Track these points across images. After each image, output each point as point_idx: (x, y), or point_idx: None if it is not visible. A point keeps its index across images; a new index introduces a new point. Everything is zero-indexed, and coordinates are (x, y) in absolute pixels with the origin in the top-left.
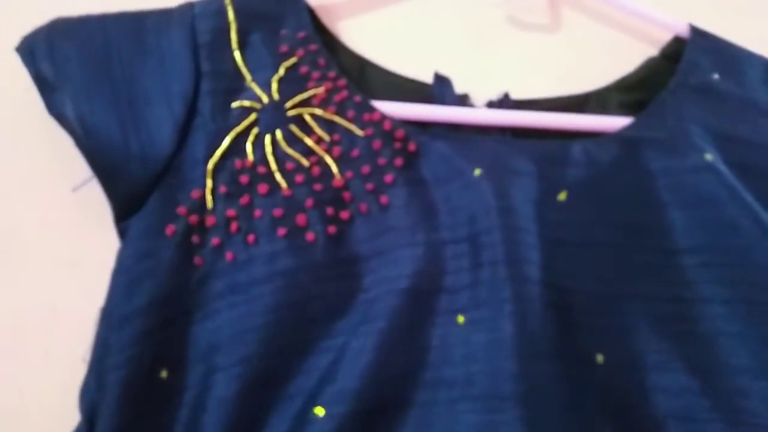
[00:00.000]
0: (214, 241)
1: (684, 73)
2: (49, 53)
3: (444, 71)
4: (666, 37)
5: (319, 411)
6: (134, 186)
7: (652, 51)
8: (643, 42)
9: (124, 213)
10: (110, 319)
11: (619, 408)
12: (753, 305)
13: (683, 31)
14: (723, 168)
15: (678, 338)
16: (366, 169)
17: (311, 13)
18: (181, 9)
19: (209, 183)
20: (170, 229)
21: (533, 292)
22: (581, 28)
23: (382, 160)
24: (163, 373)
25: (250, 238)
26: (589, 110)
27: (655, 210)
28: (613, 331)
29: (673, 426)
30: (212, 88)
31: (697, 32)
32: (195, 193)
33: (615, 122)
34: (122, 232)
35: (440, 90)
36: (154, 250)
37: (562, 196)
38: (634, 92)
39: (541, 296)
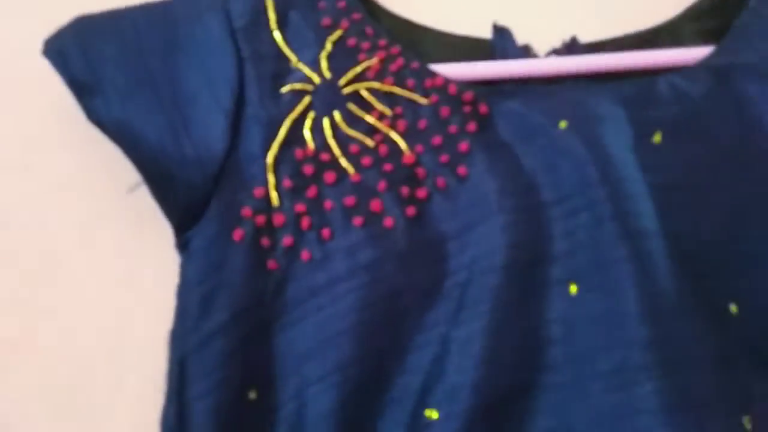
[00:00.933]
0: (287, 240)
1: None
2: (83, 55)
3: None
4: None
5: (432, 414)
6: (193, 193)
7: None
8: None
9: (184, 224)
10: (185, 342)
11: (764, 360)
12: None
13: None
14: None
15: None
16: (437, 140)
17: None
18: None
19: (271, 178)
20: (238, 233)
21: (652, 246)
22: None
23: (453, 128)
24: (252, 394)
25: (325, 232)
26: (662, 44)
27: (762, 137)
28: (744, 277)
29: None
30: (257, 73)
31: None
32: (258, 192)
33: (696, 53)
34: (183, 246)
35: (501, 43)
36: (224, 259)
37: (657, 137)
38: (709, 19)
39: (661, 249)
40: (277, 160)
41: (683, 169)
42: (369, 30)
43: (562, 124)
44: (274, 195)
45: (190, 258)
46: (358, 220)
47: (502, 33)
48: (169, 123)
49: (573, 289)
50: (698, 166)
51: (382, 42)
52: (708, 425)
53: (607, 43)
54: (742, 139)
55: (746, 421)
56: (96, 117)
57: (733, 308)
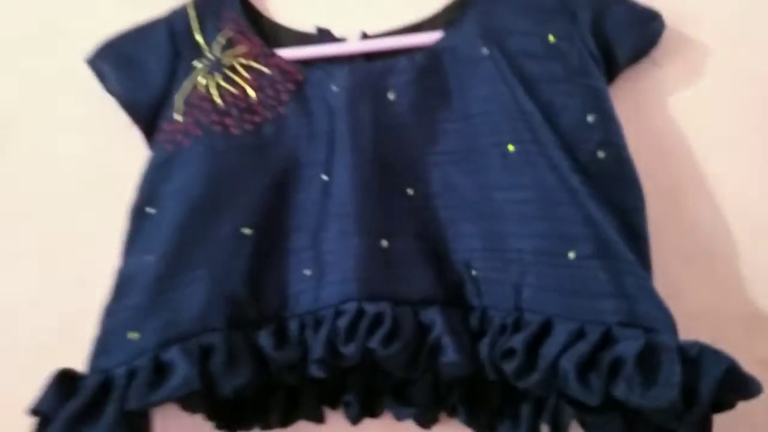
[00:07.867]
0: (179, 137)
1: None
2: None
3: (328, 24)
4: None
5: (246, 231)
6: (147, 121)
7: None
8: None
9: (148, 135)
10: (143, 197)
11: (423, 229)
12: (527, 144)
13: None
14: (498, 56)
15: (464, 174)
16: (270, 92)
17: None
18: (166, 18)
19: (179, 106)
20: (162, 137)
21: (366, 155)
22: None
23: (281, 87)
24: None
25: (198, 132)
26: (422, 31)
27: (447, 96)
28: (419, 172)
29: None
30: (184, 55)
31: None
32: (174, 117)
33: (432, 37)
34: (150, 146)
35: (320, 37)
36: (169, 149)
37: (391, 95)
38: (454, 11)
39: (371, 157)
40: (185, 101)
41: (400, 115)
42: (245, 30)
43: (334, 87)
44: (178, 117)
45: (152, 153)
46: (217, 128)
47: (322, 31)
48: (135, 86)
49: (324, 177)
50: (409, 114)
51: (252, 37)
52: (356, 241)
53: (387, 33)
54: (436, 98)
55: (384, 243)
56: (107, 88)
57: (410, 191)
